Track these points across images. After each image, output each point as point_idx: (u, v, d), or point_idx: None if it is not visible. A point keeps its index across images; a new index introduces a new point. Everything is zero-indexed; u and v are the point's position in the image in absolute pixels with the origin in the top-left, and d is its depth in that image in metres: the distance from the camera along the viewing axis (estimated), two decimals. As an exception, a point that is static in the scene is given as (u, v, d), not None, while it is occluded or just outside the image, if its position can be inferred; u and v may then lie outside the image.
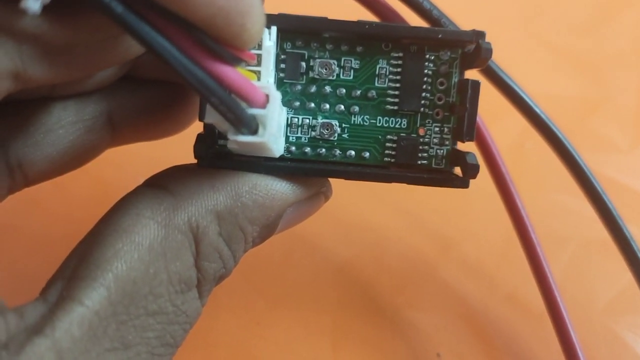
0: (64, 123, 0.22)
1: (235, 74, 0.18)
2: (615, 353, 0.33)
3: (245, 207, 0.20)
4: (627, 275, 0.33)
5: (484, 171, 0.21)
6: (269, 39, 0.20)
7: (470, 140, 0.21)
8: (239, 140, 0.18)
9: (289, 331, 0.33)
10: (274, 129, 0.19)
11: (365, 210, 0.35)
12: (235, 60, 0.18)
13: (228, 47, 0.17)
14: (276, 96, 0.19)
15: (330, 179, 0.23)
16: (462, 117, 0.21)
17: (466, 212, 0.36)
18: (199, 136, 0.21)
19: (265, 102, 0.19)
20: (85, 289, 0.17)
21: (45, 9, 0.16)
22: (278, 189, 0.21)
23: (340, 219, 0.34)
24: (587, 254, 0.34)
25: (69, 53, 0.17)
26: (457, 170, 0.22)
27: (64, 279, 0.18)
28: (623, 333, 0.33)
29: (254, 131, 0.19)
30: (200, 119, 0.20)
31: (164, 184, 0.20)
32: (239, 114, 0.18)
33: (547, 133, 0.28)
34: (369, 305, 0.34)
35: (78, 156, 0.23)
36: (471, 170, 0.21)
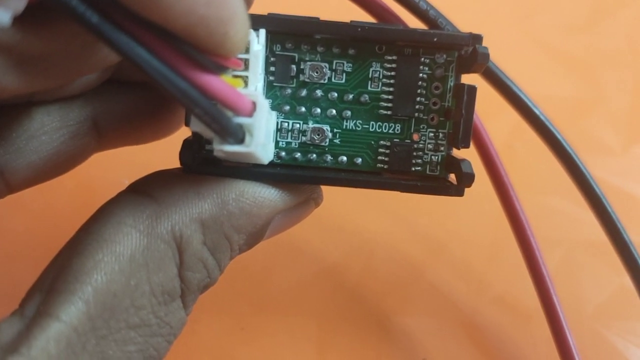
0: (47, 129, 0.21)
1: (219, 83, 0.17)
2: (605, 358, 0.32)
3: (232, 215, 0.19)
4: (617, 279, 0.33)
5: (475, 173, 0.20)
6: (257, 43, 0.19)
7: (466, 147, 0.21)
8: (225, 149, 0.18)
9: (274, 336, 0.32)
10: (261, 138, 0.18)
11: (352, 212, 0.35)
12: (219, 68, 0.17)
13: (211, 55, 0.16)
14: (264, 104, 0.18)
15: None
16: (457, 122, 0.21)
17: (454, 215, 0.35)
18: (185, 142, 0.20)
19: (252, 111, 0.18)
20: (63, 303, 0.17)
21: (18, 18, 0.15)
22: (266, 196, 0.20)
23: (326, 221, 0.34)
24: (576, 258, 0.33)
25: (45, 62, 0.17)
26: (452, 177, 0.22)
27: (42, 291, 0.18)
28: (613, 338, 0.32)
29: (241, 140, 0.18)
30: (186, 125, 0.19)
31: (148, 190, 0.19)
32: (225, 124, 0.17)
33: (545, 134, 0.27)
34: (355, 310, 0.33)
35: (63, 162, 0.22)
36: (466, 179, 0.20)
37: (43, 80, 0.17)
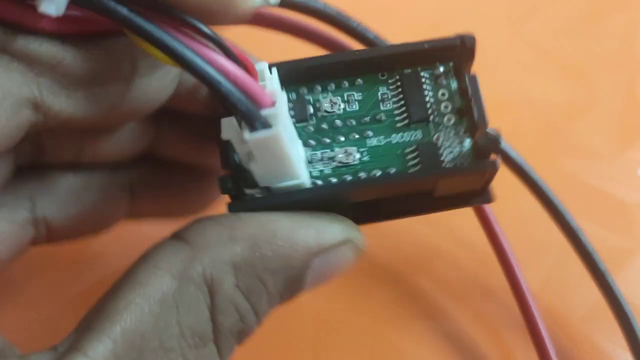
0: (88, 188, 0.24)
1: (242, 74, 0.19)
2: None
3: (264, 258, 0.19)
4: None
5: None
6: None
7: (484, 123, 0.21)
8: (255, 137, 0.19)
9: (269, 341, 0.29)
10: (285, 121, 0.19)
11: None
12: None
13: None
14: (282, 97, 0.20)
15: None
16: (470, 110, 0.22)
17: (444, 224, 0.34)
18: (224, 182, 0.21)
19: (273, 102, 0.20)
20: (92, 340, 0.17)
21: (65, 39, 0.18)
22: (300, 237, 0.20)
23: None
24: (567, 262, 0.31)
25: (89, 86, 0.19)
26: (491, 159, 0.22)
27: (77, 330, 0.18)
28: (603, 343, 0.31)
29: (268, 125, 0.19)
30: (218, 138, 0.21)
31: (185, 235, 0.20)
32: (250, 105, 0.19)
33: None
34: (351, 316, 0.32)
35: (96, 222, 0.24)
36: (493, 144, 0.21)
37: (86, 105, 0.19)
